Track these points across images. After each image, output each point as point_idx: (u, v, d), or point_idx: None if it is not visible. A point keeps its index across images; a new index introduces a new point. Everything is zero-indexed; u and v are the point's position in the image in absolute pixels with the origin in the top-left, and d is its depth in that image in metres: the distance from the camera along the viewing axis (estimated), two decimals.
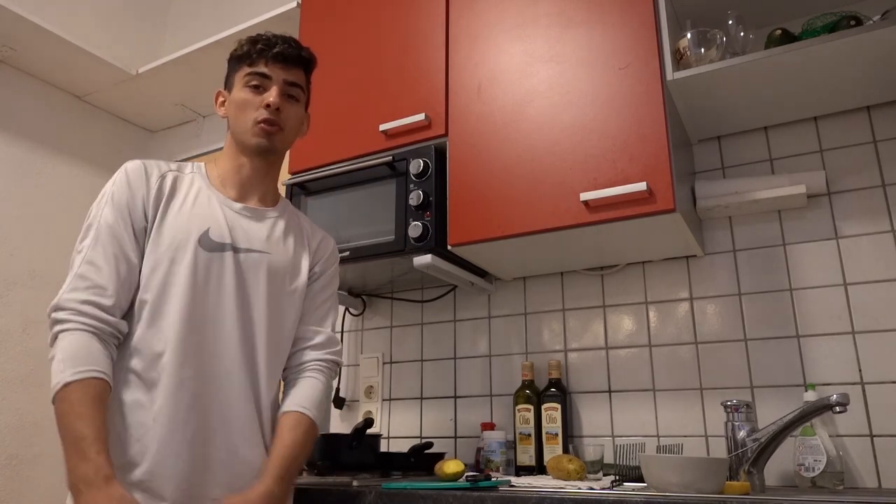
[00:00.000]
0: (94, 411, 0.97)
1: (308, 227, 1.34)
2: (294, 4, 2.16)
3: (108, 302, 1.05)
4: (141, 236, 1.13)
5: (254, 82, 1.21)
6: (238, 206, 1.23)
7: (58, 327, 1.03)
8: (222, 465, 1.08)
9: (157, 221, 1.14)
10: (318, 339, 1.26)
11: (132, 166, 1.17)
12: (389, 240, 1.64)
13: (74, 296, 1.05)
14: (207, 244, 1.15)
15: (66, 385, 0.98)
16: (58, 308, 1.04)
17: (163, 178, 1.18)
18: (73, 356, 1.00)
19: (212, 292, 1.13)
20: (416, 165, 1.64)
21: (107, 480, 0.93)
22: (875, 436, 1.40)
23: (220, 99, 1.29)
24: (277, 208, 1.29)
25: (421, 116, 1.68)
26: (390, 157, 1.69)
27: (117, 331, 1.07)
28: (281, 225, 1.27)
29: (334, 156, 1.83)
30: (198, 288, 1.11)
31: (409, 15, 1.83)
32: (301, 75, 1.27)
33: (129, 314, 1.10)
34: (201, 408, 1.07)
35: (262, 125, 1.20)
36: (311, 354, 1.25)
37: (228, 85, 1.27)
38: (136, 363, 1.07)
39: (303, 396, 1.19)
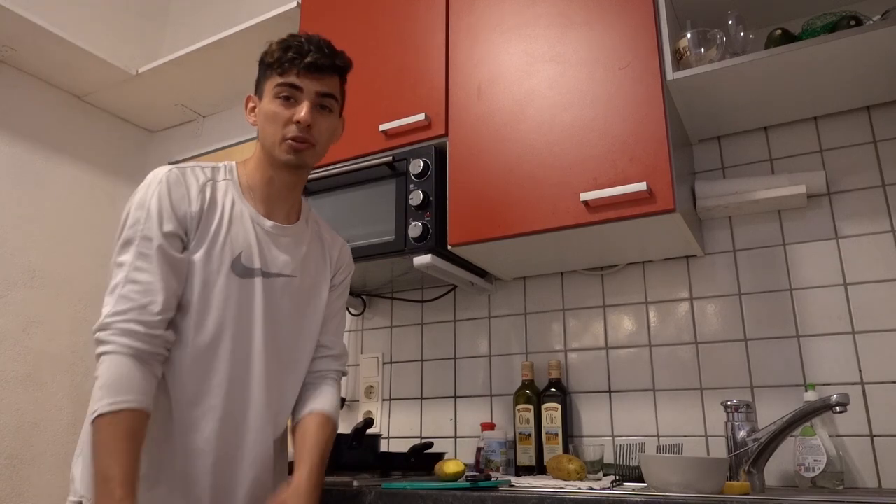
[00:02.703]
0: (126, 446, 0.96)
1: (328, 237, 1.33)
2: (294, 4, 2.16)
3: (153, 318, 1.03)
4: (182, 248, 1.10)
5: (284, 94, 1.16)
6: (268, 224, 1.20)
7: (100, 348, 1.01)
8: (244, 490, 1.12)
9: (195, 241, 1.11)
10: (337, 350, 1.29)
11: (173, 177, 1.12)
12: (389, 240, 1.64)
13: (117, 318, 1.02)
14: (240, 270, 1.13)
15: (101, 416, 0.97)
16: (101, 328, 1.02)
17: (202, 190, 1.14)
18: (111, 384, 0.98)
19: (242, 320, 1.12)
20: (416, 165, 1.64)
21: None
22: (875, 436, 1.40)
23: (251, 105, 1.24)
24: (301, 223, 1.27)
25: (421, 116, 1.68)
26: (390, 157, 1.69)
27: (164, 343, 1.05)
28: (306, 242, 1.25)
29: (334, 156, 1.83)
30: (229, 316, 1.11)
31: (409, 15, 1.83)
32: (336, 83, 1.22)
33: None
34: (227, 435, 1.09)
35: (292, 142, 1.16)
36: (331, 364, 1.28)
37: (259, 91, 1.22)
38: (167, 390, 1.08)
39: (327, 402, 1.22)
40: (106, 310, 1.03)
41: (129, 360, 1.00)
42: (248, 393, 1.12)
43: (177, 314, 1.08)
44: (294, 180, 1.23)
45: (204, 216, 1.12)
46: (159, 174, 1.11)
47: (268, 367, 1.15)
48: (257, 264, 1.15)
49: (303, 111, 1.15)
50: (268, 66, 1.19)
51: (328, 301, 1.29)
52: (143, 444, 1.00)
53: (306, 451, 1.14)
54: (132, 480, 0.95)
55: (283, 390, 1.19)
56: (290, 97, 1.16)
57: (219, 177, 1.19)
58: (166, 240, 1.07)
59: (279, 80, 1.16)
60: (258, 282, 1.15)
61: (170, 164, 1.19)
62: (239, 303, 1.12)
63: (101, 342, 1.01)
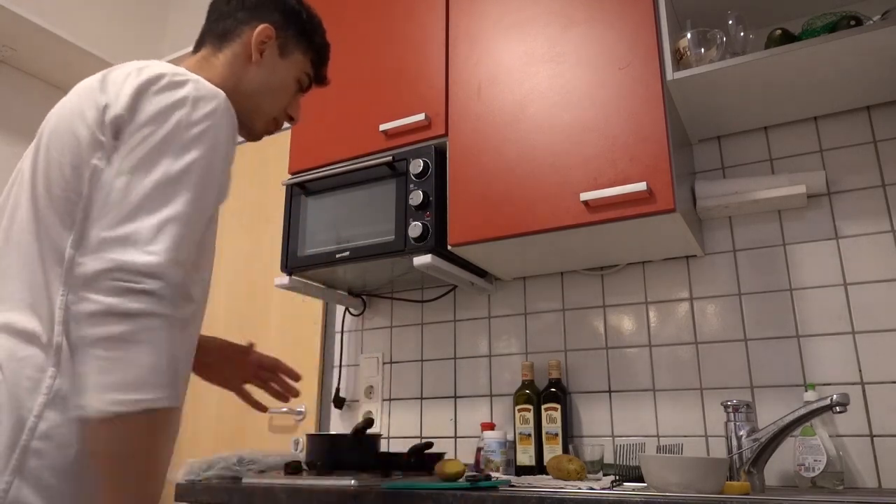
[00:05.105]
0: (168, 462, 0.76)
1: None
2: None
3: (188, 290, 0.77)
4: None
5: (306, 83, 1.12)
6: None
7: (147, 304, 0.70)
8: None
9: None
10: None
11: (229, 105, 0.88)
12: (389, 240, 1.64)
13: (176, 270, 0.73)
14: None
15: (169, 411, 0.71)
16: (152, 274, 0.70)
17: None
18: (181, 366, 0.73)
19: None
20: (416, 165, 1.64)
21: None
22: (875, 436, 1.40)
23: (266, 40, 1.04)
24: None
25: (421, 116, 1.68)
26: (390, 157, 1.69)
27: None
28: None
29: (334, 156, 1.83)
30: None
31: (409, 15, 1.83)
32: None
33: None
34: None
35: (273, 128, 1.11)
36: None
37: (284, 43, 1.06)
38: None
39: None
40: (159, 246, 0.72)
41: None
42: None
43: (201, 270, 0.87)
44: None
45: None
46: (220, 97, 0.86)
47: None
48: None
49: (300, 111, 1.13)
50: (310, 39, 1.10)
51: None
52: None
53: None
54: None
55: None
56: (302, 89, 1.12)
57: None
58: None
59: (311, 70, 1.12)
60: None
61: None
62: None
63: (147, 295, 0.70)
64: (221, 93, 0.87)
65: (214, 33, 1.07)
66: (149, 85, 0.82)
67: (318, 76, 1.14)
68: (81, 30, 2.56)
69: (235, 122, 0.88)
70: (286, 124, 1.14)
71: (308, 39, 1.10)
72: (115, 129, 0.80)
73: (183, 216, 0.76)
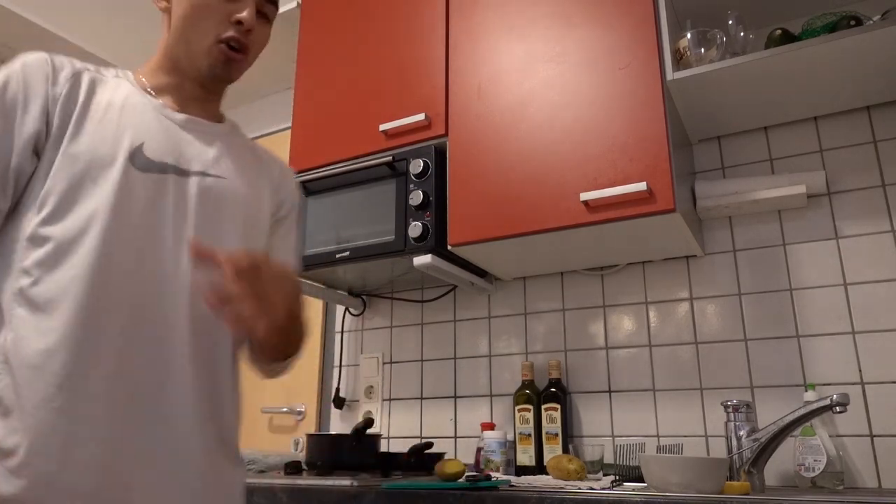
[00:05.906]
0: None
1: (263, 154, 1.08)
2: (294, 5, 2.16)
3: None
4: (26, 148, 0.84)
5: None
6: (181, 117, 0.95)
7: None
8: (153, 463, 0.81)
9: (70, 131, 0.86)
10: None
11: (33, 58, 0.88)
12: (389, 240, 1.64)
13: None
14: (142, 163, 0.87)
15: None
16: None
17: (77, 76, 0.90)
18: None
19: (150, 230, 0.86)
20: (416, 165, 1.64)
21: None
22: (875, 436, 1.40)
23: None
24: (225, 126, 1.03)
25: (421, 116, 1.68)
26: (390, 157, 1.69)
27: None
28: (236, 144, 1.02)
29: (334, 156, 1.83)
30: (126, 222, 0.84)
31: (409, 15, 1.83)
32: None
33: (19, 253, 0.82)
34: (123, 399, 0.80)
35: (226, 48, 0.94)
36: None
37: None
38: (26, 324, 0.79)
39: None
40: None
41: None
42: (159, 336, 0.84)
43: (47, 223, 0.82)
44: (207, 93, 1.01)
45: (81, 101, 0.88)
46: (23, 57, 0.89)
47: (196, 298, 0.86)
48: (169, 159, 0.90)
49: (246, 9, 0.94)
50: None
51: (275, 238, 1.05)
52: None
53: None
54: None
55: (216, 341, 0.90)
56: None
57: (107, 74, 0.95)
58: (2, 131, 0.84)
59: None
60: (170, 180, 0.89)
61: None
62: (143, 207, 0.86)
63: None
64: (22, 57, 0.89)
65: None
66: None
67: None
68: (81, 30, 2.56)
69: (19, 69, 0.87)
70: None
71: None
72: None
73: None
